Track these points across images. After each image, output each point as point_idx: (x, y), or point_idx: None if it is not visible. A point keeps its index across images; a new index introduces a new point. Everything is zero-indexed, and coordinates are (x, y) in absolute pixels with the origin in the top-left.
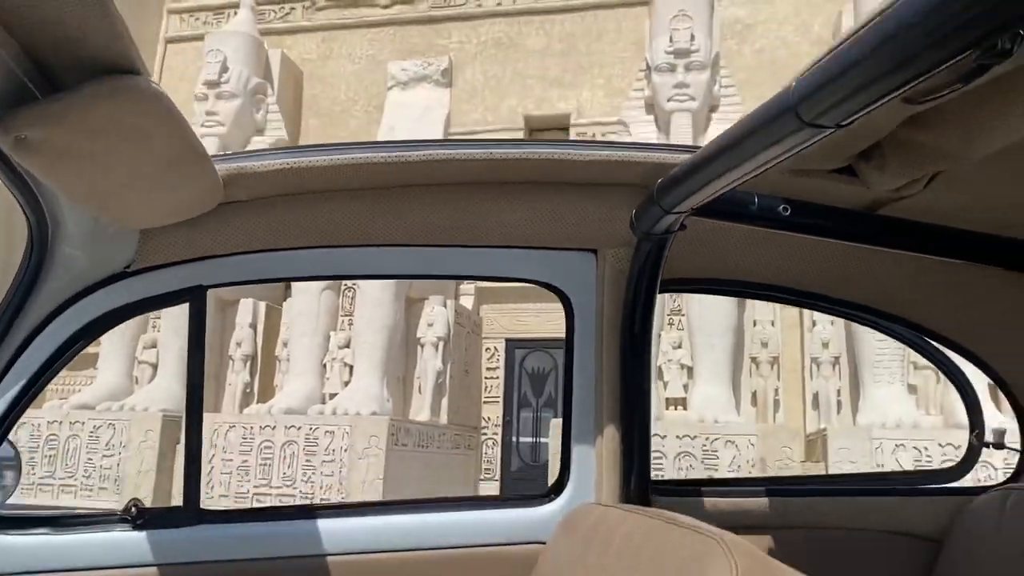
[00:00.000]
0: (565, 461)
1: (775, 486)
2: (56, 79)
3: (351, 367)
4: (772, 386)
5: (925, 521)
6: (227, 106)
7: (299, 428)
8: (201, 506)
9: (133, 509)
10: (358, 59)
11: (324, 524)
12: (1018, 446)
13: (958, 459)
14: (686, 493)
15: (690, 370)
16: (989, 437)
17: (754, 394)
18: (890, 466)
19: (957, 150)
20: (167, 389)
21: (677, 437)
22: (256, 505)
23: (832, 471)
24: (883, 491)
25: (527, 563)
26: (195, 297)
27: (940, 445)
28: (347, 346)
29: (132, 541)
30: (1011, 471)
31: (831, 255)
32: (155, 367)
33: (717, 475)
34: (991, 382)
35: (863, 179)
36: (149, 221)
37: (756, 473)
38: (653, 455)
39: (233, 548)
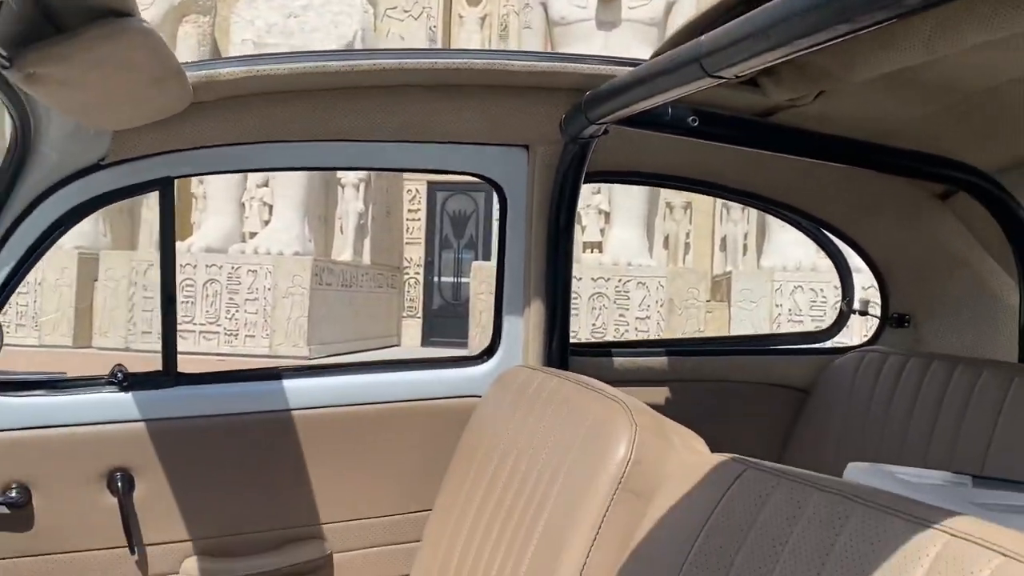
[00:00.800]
0: (497, 328)
1: (673, 347)
2: (61, 22)
3: (270, 206)
4: (684, 230)
5: (796, 375)
6: None
7: (220, 267)
8: (178, 369)
9: (119, 373)
10: None
11: (288, 383)
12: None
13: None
14: (598, 354)
15: (607, 215)
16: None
17: (666, 238)
18: (788, 306)
19: (840, 73)
20: (79, 226)
21: (592, 279)
22: (191, 346)
23: (734, 311)
24: (763, 350)
25: (464, 413)
26: (163, 187)
27: (835, 287)
28: (265, 185)
29: (118, 401)
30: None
31: (735, 155)
32: None
33: (628, 313)
34: None
35: (763, 89)
36: (125, 124)
37: (664, 312)
38: None
39: (207, 405)
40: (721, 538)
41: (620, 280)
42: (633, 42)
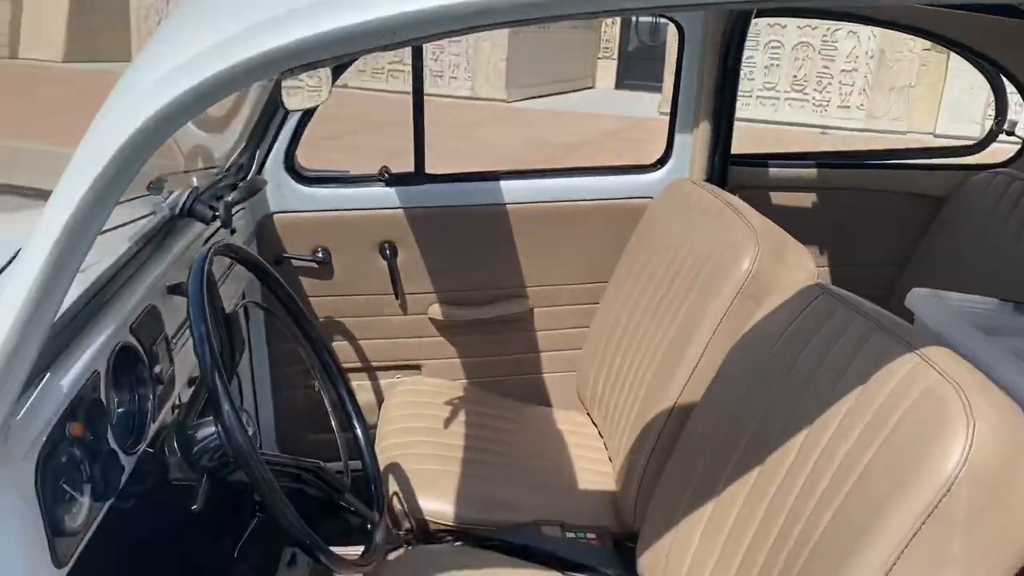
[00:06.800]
0: (669, 142)
1: (823, 160)
2: None
3: None
4: None
5: (935, 186)
6: None
7: None
8: (425, 171)
9: (385, 173)
10: None
11: (504, 183)
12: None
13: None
14: (755, 165)
15: None
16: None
17: None
18: None
19: None
20: None
21: (798, 27)
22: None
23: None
24: (906, 165)
25: (638, 211)
26: None
27: None
28: None
29: (385, 192)
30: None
31: None
32: None
33: (832, 65)
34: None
35: None
36: None
37: (873, 65)
38: None
39: (448, 197)
40: (791, 343)
41: (828, 28)
42: None
